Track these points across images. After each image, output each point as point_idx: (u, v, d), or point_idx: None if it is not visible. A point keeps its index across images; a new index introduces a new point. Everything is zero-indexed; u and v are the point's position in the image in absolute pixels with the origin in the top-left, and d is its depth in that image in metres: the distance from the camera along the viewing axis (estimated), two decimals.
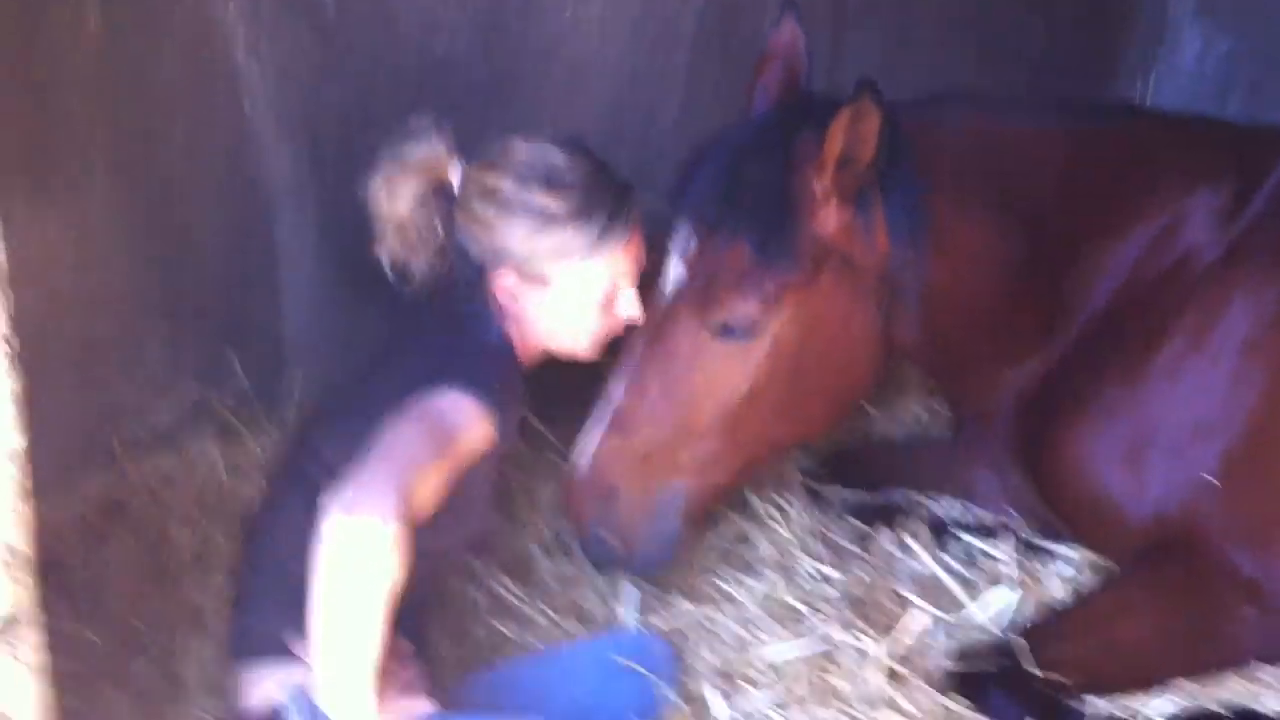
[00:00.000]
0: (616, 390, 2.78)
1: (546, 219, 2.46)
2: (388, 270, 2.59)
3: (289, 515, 2.47)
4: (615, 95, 3.54)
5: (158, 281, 3.11)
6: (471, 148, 3.22)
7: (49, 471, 2.95)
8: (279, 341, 3.37)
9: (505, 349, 2.58)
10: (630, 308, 2.65)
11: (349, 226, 3.23)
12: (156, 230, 3.06)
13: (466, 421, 2.24)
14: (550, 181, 2.47)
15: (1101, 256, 3.03)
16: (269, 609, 2.48)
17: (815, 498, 3.39)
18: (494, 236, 2.48)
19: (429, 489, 2.09)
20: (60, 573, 2.95)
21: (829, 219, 2.70)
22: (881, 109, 2.55)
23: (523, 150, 2.52)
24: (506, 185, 2.47)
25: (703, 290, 2.69)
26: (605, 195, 2.52)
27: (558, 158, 2.51)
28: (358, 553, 1.90)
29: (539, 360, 2.71)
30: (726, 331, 2.68)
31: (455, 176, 2.53)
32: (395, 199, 2.51)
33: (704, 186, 2.74)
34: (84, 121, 2.85)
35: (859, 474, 3.49)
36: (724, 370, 2.72)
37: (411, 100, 3.19)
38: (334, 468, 2.36)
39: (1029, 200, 2.93)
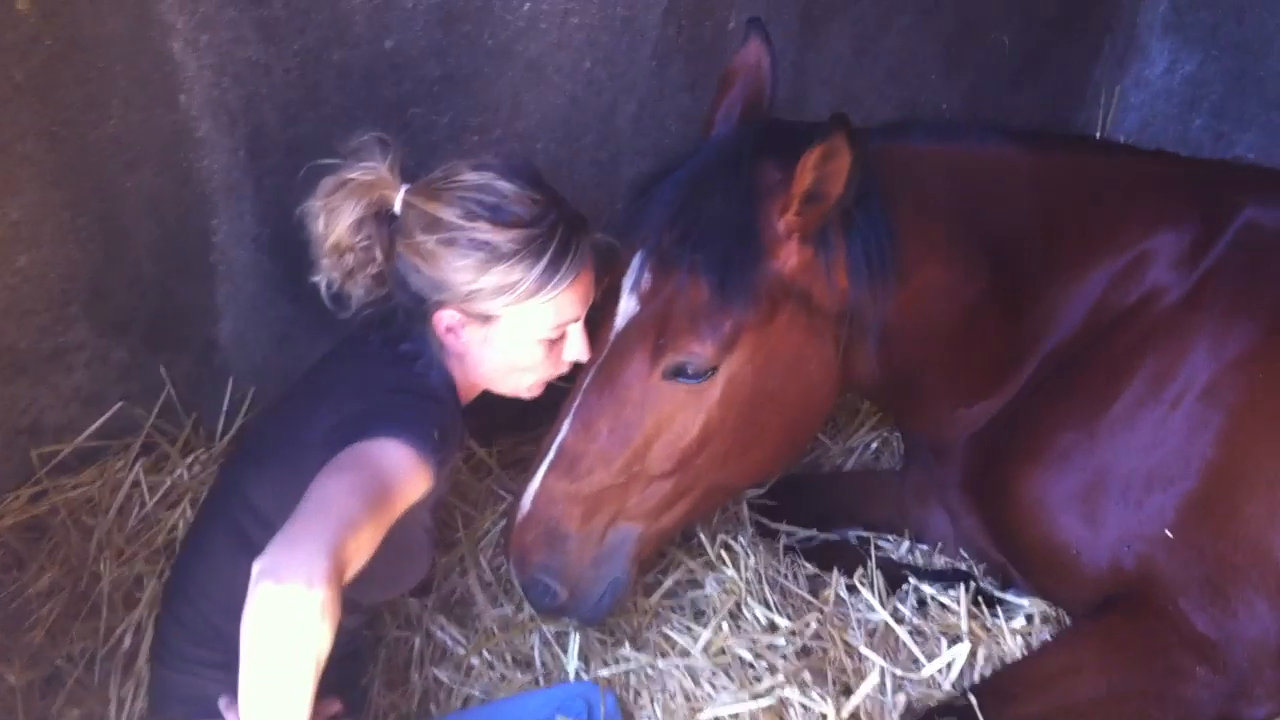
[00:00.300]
0: (563, 429, 2.65)
1: (493, 255, 2.30)
2: (323, 294, 2.45)
3: (215, 565, 2.38)
4: (573, 93, 3.37)
5: (83, 286, 2.92)
6: (422, 149, 3.14)
7: None
8: (213, 352, 3.18)
9: (445, 390, 2.45)
10: (578, 350, 2.53)
11: (292, 230, 3.10)
12: (83, 232, 2.86)
13: (403, 473, 2.12)
14: (498, 214, 2.31)
15: (1062, 294, 2.95)
16: (195, 665, 2.39)
17: (765, 533, 3.30)
18: (436, 269, 2.32)
19: (362, 546, 1.96)
20: None
21: (790, 256, 2.56)
22: (853, 148, 2.40)
23: (470, 178, 2.35)
24: (451, 216, 2.30)
25: (655, 328, 2.56)
26: (556, 230, 2.36)
27: (506, 188, 2.34)
28: (285, 623, 1.79)
29: (478, 395, 2.60)
30: (679, 373, 2.56)
31: (398, 201, 2.36)
32: (333, 221, 2.35)
33: (659, 216, 2.58)
34: (9, 115, 2.64)
35: (810, 511, 3.41)
36: (676, 412, 2.59)
37: (360, 98, 3.04)
38: (262, 516, 2.31)
39: (993, 235, 2.83)
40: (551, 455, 2.64)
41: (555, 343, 2.47)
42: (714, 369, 2.55)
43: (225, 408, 3.24)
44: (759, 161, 2.58)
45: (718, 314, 2.51)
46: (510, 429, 3.48)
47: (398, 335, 2.46)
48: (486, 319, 2.37)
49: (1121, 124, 4.62)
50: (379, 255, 2.38)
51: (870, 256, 2.59)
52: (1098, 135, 4.64)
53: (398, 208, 2.36)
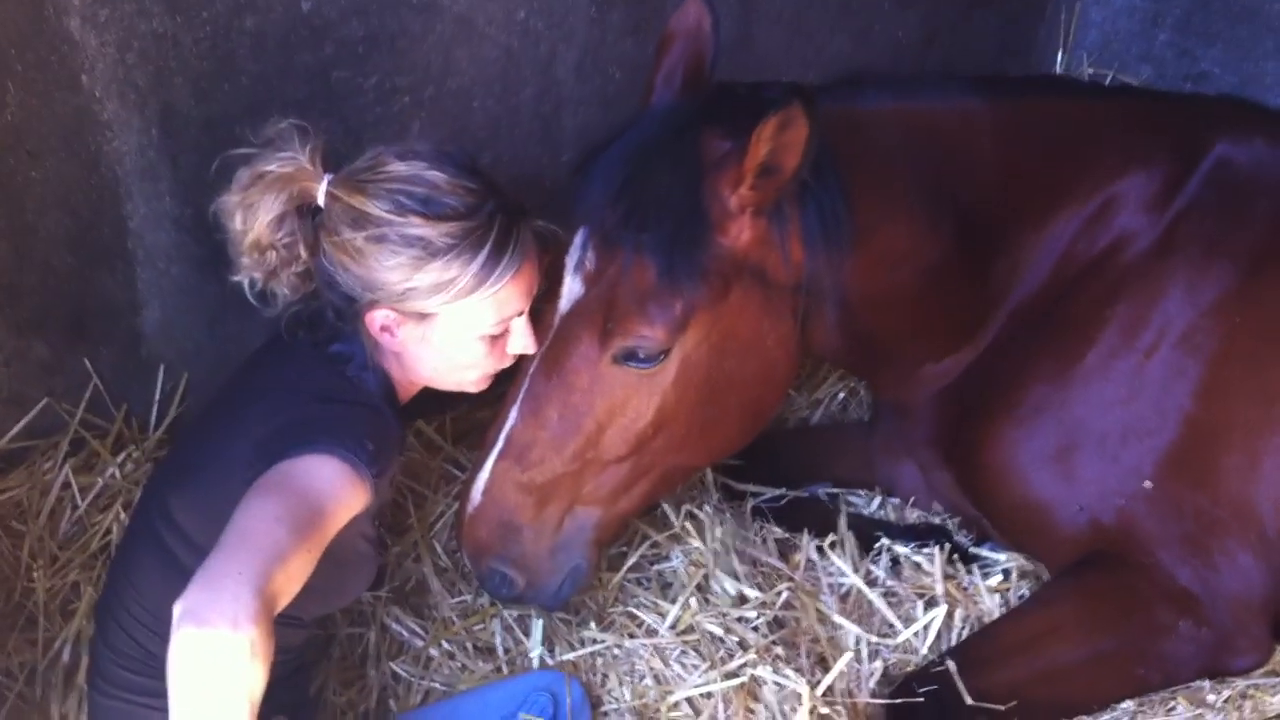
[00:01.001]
0: (510, 416, 2.53)
1: (426, 251, 2.15)
2: (247, 292, 2.30)
3: (142, 588, 2.27)
4: (508, 45, 3.19)
5: None
6: (349, 115, 2.97)
7: None
8: (138, 342, 3.02)
9: (380, 394, 2.32)
10: (522, 343, 2.39)
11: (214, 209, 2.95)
12: None
13: (335, 492, 2.01)
14: (429, 206, 2.16)
15: (1028, 244, 2.85)
16: (128, 693, 2.29)
17: (732, 496, 3.19)
18: (366, 268, 2.17)
19: (293, 576, 1.86)
20: None
21: (741, 232, 2.42)
22: (810, 119, 2.25)
23: (398, 168, 2.19)
24: (379, 210, 2.15)
25: (602, 311, 2.43)
26: (494, 221, 2.21)
27: (438, 177, 2.18)
28: (211, 670, 1.68)
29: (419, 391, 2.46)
30: (630, 357, 2.43)
31: (321, 193, 2.20)
32: (251, 217, 2.20)
33: (602, 194, 2.44)
34: None
35: (778, 468, 3.30)
36: (628, 397, 2.47)
37: (278, 66, 2.86)
38: (188, 536, 2.21)
39: (952, 188, 2.71)
40: (500, 444, 2.53)
41: (498, 338, 2.34)
42: (666, 352, 2.43)
43: (157, 398, 3.09)
44: (704, 132, 2.45)
45: (667, 295, 2.38)
46: (463, 395, 3.33)
47: (328, 335, 2.32)
48: (423, 317, 2.24)
49: (1083, 41, 4.46)
50: (303, 252, 2.24)
51: (826, 225, 2.45)
52: (1058, 54, 4.48)
53: (321, 200, 2.20)
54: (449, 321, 2.24)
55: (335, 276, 2.22)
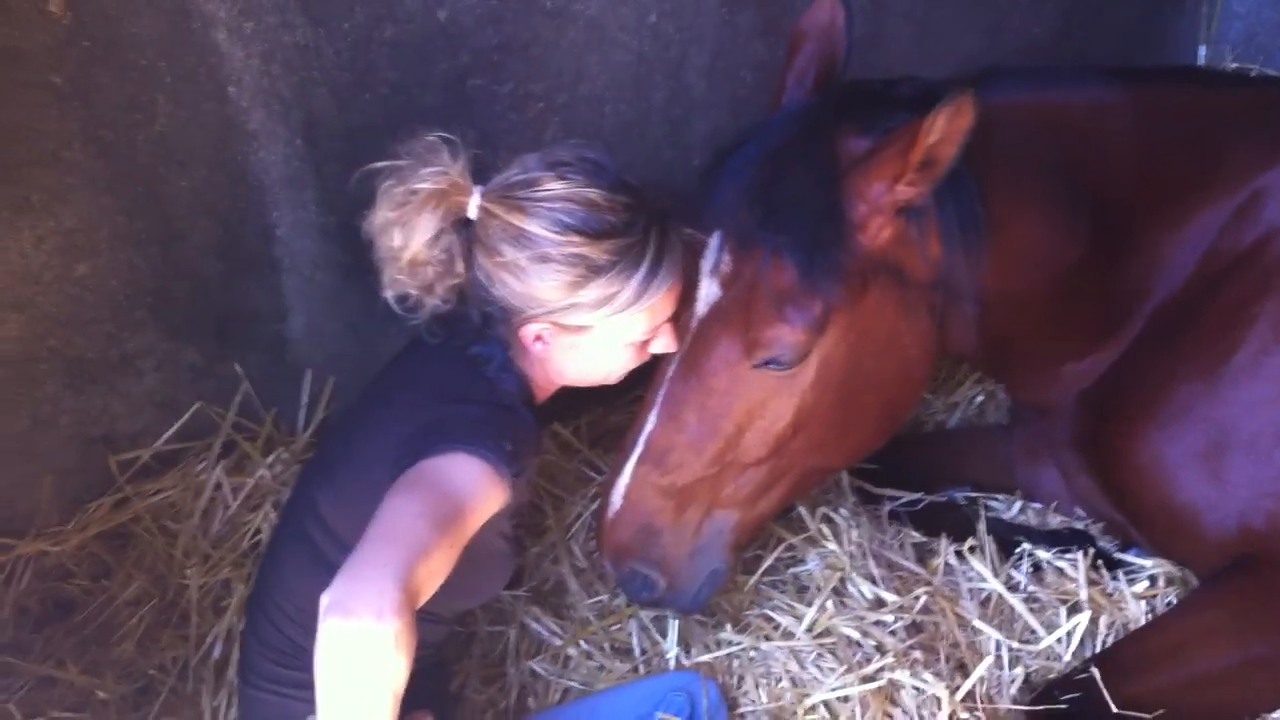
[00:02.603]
0: (649, 421, 2.53)
1: (589, 269, 2.17)
2: (395, 306, 2.30)
3: (290, 582, 2.33)
4: (639, 49, 3.21)
5: (146, 290, 2.86)
6: (484, 121, 3.01)
7: (47, 501, 2.83)
8: (285, 347, 3.11)
9: (519, 395, 2.34)
10: (666, 343, 2.40)
11: (356, 216, 3.00)
12: (140, 236, 2.80)
13: (476, 490, 2.02)
14: (590, 225, 2.17)
15: (1170, 240, 2.76)
16: (279, 685, 2.35)
17: (868, 500, 3.16)
18: (527, 285, 2.19)
19: (435, 570, 1.88)
20: (65, 613, 2.80)
21: (881, 230, 2.39)
22: (977, 109, 2.21)
23: (554, 186, 2.19)
24: (539, 229, 2.16)
25: (740, 314, 2.42)
26: (650, 234, 2.23)
27: (595, 194, 2.19)
28: (357, 659, 1.71)
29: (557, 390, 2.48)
30: (769, 361, 2.42)
31: (473, 206, 2.21)
32: (409, 236, 2.18)
33: (737, 196, 2.42)
34: (52, 121, 2.57)
35: (915, 472, 3.25)
36: (767, 399, 2.46)
37: (416, 75, 2.92)
38: (334, 532, 2.26)
39: (1090, 183, 2.64)
40: (639, 448, 2.53)
41: (645, 342, 2.36)
42: (805, 354, 2.41)
43: (305, 401, 3.18)
44: (840, 131, 2.42)
45: (806, 296, 2.36)
46: (598, 398, 3.35)
47: (468, 337, 2.34)
48: (579, 329, 2.26)
49: (1225, 34, 4.33)
50: (460, 268, 2.24)
51: (963, 221, 2.41)
52: (1199, 48, 4.36)
53: (472, 213, 2.21)
54: (604, 332, 2.27)
55: (492, 290, 2.23)
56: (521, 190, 2.20)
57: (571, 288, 2.17)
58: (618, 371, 2.41)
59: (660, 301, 2.27)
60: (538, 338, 2.28)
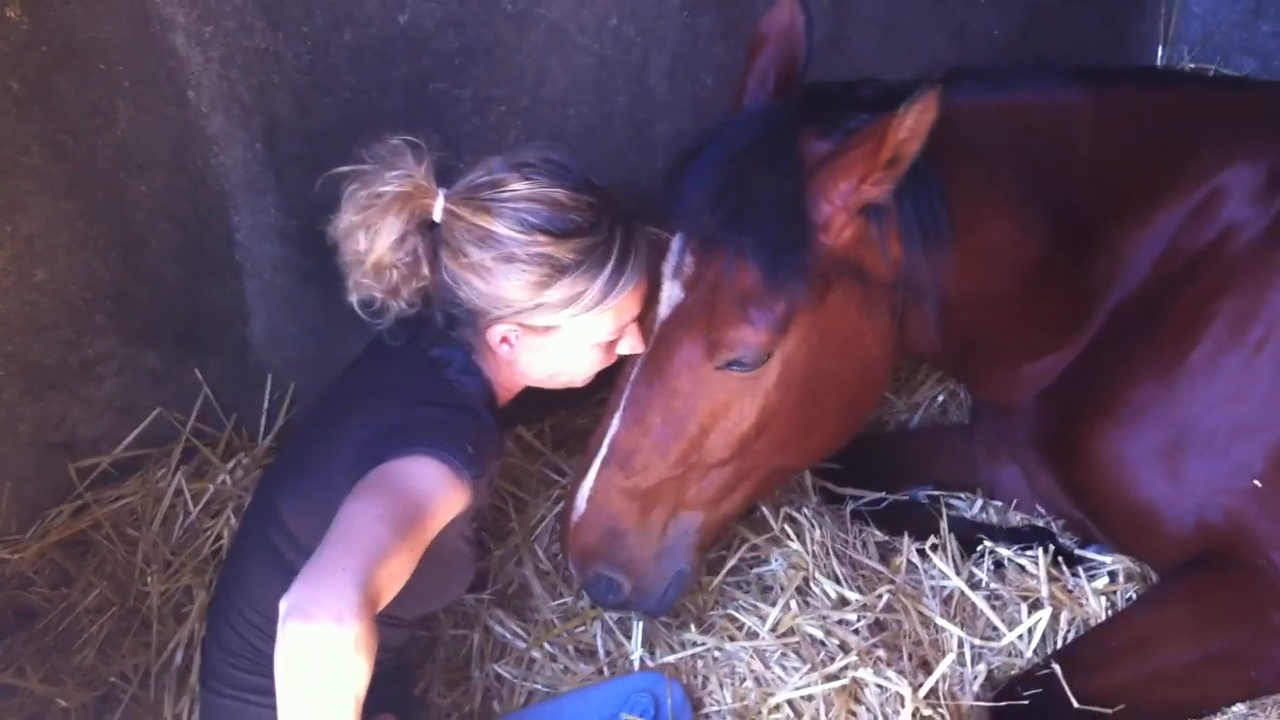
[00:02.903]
0: (613, 424, 2.53)
1: (555, 268, 2.18)
2: (358, 309, 2.30)
3: (251, 588, 2.32)
4: (601, 53, 3.21)
5: (106, 296, 2.84)
6: (447, 125, 3.00)
7: (6, 509, 2.80)
8: (245, 351, 3.10)
9: (480, 397, 2.33)
10: (632, 344, 2.41)
11: (318, 221, 2.99)
12: (99, 241, 2.78)
13: (436, 492, 2.03)
14: (555, 225, 2.18)
15: (1129, 239, 2.78)
16: (240, 691, 2.35)
17: (831, 500, 3.17)
18: (493, 285, 2.19)
19: (395, 573, 1.88)
20: (26, 621, 2.79)
21: (843, 229, 2.40)
22: (939, 106, 2.22)
23: (519, 186, 2.19)
24: (506, 230, 2.16)
25: (704, 316, 2.42)
26: (615, 233, 2.24)
27: (560, 194, 2.20)
28: (317, 663, 1.71)
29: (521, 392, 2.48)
30: (734, 362, 2.43)
31: (438, 209, 2.21)
32: (374, 240, 2.18)
33: (700, 198, 2.42)
34: (9, 126, 2.55)
35: (877, 471, 3.27)
36: (731, 400, 2.47)
37: (377, 78, 2.91)
38: (294, 536, 2.26)
39: (1051, 183, 2.66)
40: (604, 452, 2.54)
41: (611, 343, 2.36)
42: (768, 355, 2.42)
43: (266, 406, 3.17)
44: (801, 133, 2.43)
45: (769, 298, 2.37)
46: (562, 401, 3.35)
47: (429, 340, 2.34)
48: (546, 329, 2.26)
49: (1184, 35, 4.37)
50: (425, 270, 2.24)
51: (923, 220, 2.42)
52: (1159, 47, 4.40)
53: (437, 216, 2.21)
54: (570, 332, 2.27)
55: (458, 292, 2.23)
56: (486, 191, 2.20)
57: (537, 288, 2.17)
58: (584, 373, 2.42)
59: (626, 301, 2.28)
60: (504, 339, 2.28)
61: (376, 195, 2.17)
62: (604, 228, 2.22)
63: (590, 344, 2.32)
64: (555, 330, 2.26)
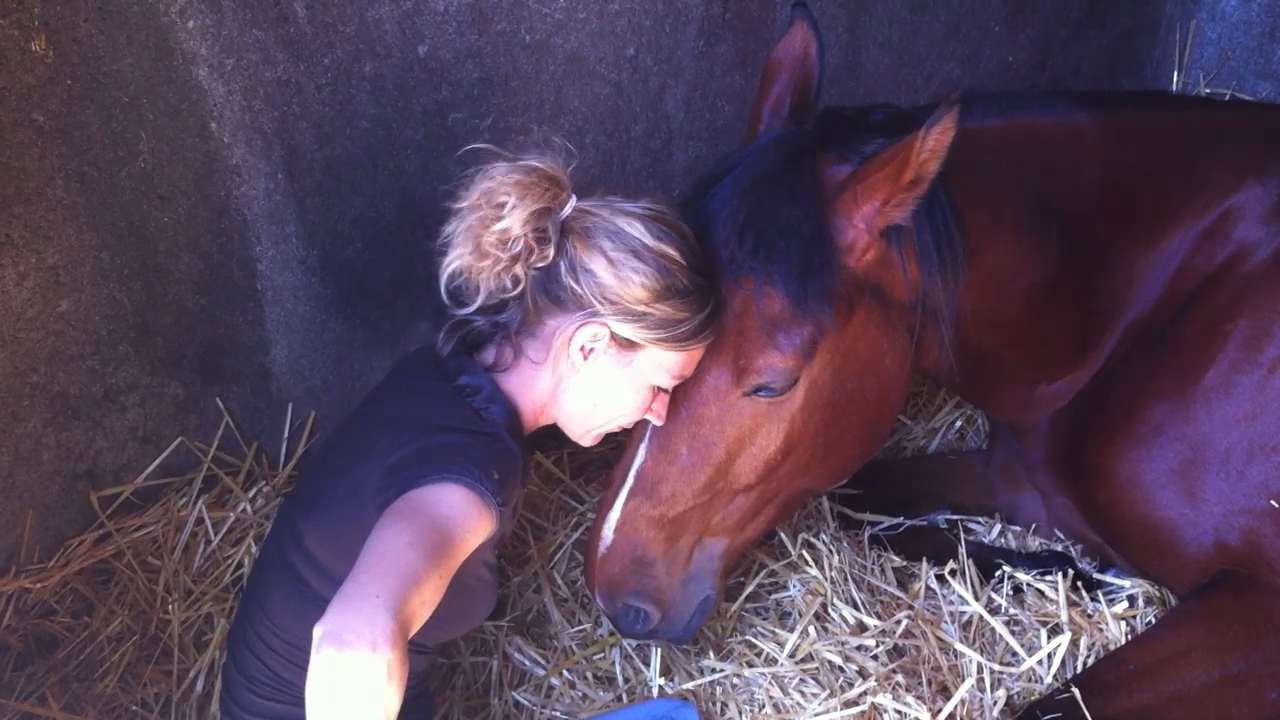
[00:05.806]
0: (639, 453, 2.55)
1: (672, 284, 2.23)
2: (441, 288, 2.30)
3: (275, 615, 2.33)
4: (618, 82, 3.25)
5: (129, 326, 2.86)
6: (466, 156, 3.03)
7: (29, 538, 2.82)
8: (267, 380, 3.12)
9: (506, 425, 2.34)
10: (660, 410, 2.44)
11: (339, 250, 3.02)
12: (123, 271, 2.80)
13: (464, 519, 2.02)
14: (681, 247, 2.26)
15: (1141, 260, 2.80)
16: (258, 716, 2.35)
17: (849, 525, 3.17)
18: (618, 279, 2.21)
19: (426, 600, 1.88)
20: (47, 650, 2.80)
21: (865, 252, 2.43)
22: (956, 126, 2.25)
23: (661, 204, 2.31)
24: (641, 233, 2.22)
25: (731, 343, 2.44)
26: (714, 287, 2.34)
27: (687, 230, 2.31)
28: (352, 690, 1.70)
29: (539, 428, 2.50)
30: (759, 388, 2.45)
31: (568, 207, 2.25)
32: (515, 208, 2.18)
33: (724, 226, 2.44)
34: (34, 158, 2.58)
35: (895, 497, 3.27)
36: (758, 426, 2.50)
37: (397, 109, 2.95)
38: (319, 564, 2.26)
39: (1064, 206, 2.69)
40: (630, 482, 2.55)
41: (655, 392, 2.40)
42: (795, 379, 2.44)
43: (286, 434, 3.19)
44: (821, 158, 2.46)
45: (796, 323, 2.40)
46: None
47: (455, 367, 2.36)
48: (629, 347, 2.28)
49: (1199, 60, 4.39)
50: (550, 251, 2.24)
51: (939, 241, 2.44)
52: (1174, 74, 4.41)
53: (568, 210, 2.25)
54: (646, 360, 2.31)
55: (577, 279, 2.24)
56: (621, 202, 2.28)
57: (655, 296, 2.22)
58: (620, 416, 2.41)
59: (699, 352, 2.36)
60: (585, 347, 2.29)
61: (530, 169, 2.21)
62: (710, 276, 2.32)
63: (649, 381, 2.34)
64: (635, 351, 2.29)
